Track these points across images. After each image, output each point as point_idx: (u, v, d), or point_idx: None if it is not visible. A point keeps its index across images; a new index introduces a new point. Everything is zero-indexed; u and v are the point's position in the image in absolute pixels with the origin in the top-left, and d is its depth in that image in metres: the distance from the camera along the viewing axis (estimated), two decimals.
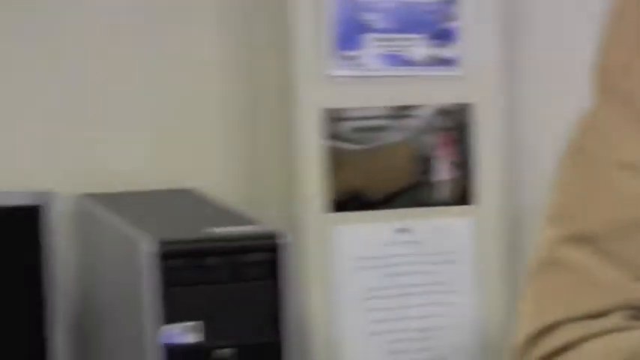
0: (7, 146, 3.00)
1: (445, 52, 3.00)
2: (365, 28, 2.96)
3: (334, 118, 2.97)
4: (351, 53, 2.96)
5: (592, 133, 1.33)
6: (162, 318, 2.58)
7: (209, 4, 3.08)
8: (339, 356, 3.01)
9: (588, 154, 1.34)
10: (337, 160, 2.98)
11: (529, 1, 3.09)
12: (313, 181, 2.98)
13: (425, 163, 3.03)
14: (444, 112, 3.01)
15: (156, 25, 3.07)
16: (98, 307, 2.87)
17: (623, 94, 1.30)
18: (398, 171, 3.03)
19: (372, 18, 2.96)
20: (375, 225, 3.01)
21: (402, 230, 3.02)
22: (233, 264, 2.62)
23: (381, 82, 2.98)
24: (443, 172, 3.04)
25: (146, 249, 2.57)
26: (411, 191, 3.03)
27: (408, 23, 2.98)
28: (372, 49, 2.97)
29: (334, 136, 2.97)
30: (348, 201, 3.00)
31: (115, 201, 2.89)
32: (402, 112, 2.99)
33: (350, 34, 2.95)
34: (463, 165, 3.05)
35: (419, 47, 2.99)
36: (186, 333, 2.59)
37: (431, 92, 3.01)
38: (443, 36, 2.99)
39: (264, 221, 2.76)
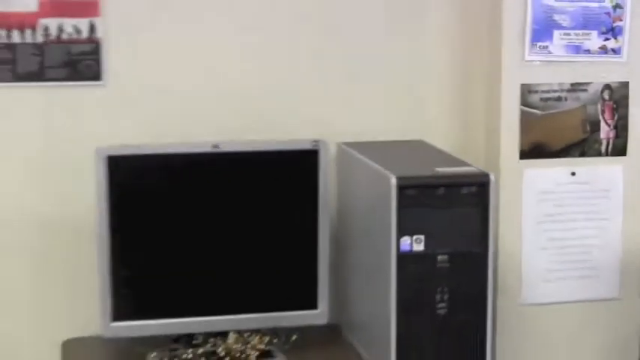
0: (295, 105, 3.05)
1: (612, 43, 3.03)
2: (554, 25, 3.00)
3: (527, 91, 3.01)
4: (543, 44, 3.00)
5: None
6: (399, 232, 2.65)
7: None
8: (520, 263, 3.07)
9: None
10: (528, 122, 3.03)
11: None
12: (510, 136, 3.03)
13: (591, 125, 3.07)
14: (608, 87, 3.05)
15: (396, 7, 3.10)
16: (353, 222, 2.94)
17: None
18: (571, 130, 3.07)
19: (559, 18, 3.00)
20: (552, 169, 3.06)
21: (572, 173, 3.06)
22: (451, 194, 2.68)
23: (563, 65, 3.02)
24: (604, 132, 3.08)
25: (390, 183, 2.63)
26: (580, 145, 3.07)
27: (586, 22, 3.01)
28: (558, 41, 3.01)
29: (526, 104, 3.02)
30: (534, 151, 3.04)
31: (366, 148, 2.95)
32: (577, 87, 3.03)
33: (543, 30, 2.99)
34: (619, 127, 3.08)
35: (593, 40, 3.02)
36: (415, 243, 2.66)
37: (599, 73, 3.04)
38: (611, 32, 3.02)
39: (474, 164, 2.81)
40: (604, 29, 3.03)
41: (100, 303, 2.78)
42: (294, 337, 2.87)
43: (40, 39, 2.92)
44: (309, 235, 2.86)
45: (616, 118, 3.08)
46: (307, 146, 2.84)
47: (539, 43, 3.00)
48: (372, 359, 2.83)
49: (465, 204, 2.69)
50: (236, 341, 2.82)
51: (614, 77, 3.06)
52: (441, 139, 3.10)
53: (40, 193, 2.97)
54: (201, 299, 2.84)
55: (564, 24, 3.01)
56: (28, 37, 2.92)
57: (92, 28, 2.95)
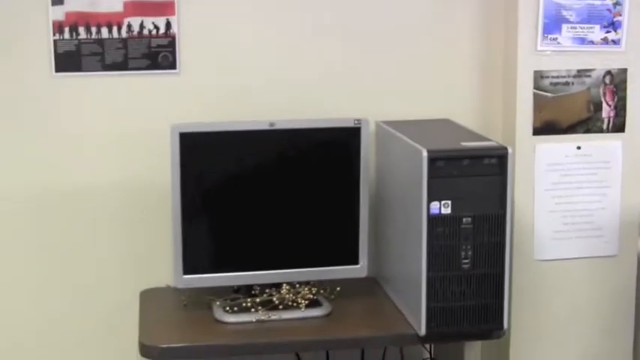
0: (341, 88, 2.97)
1: (612, 35, 2.90)
2: (563, 20, 2.88)
3: (539, 76, 2.89)
4: (553, 36, 2.88)
5: None
6: (429, 197, 2.56)
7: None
8: (532, 225, 2.95)
9: None
10: (540, 103, 2.90)
11: None
12: (525, 115, 2.91)
13: (594, 106, 2.94)
14: (609, 73, 2.92)
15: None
16: (389, 189, 2.85)
17: None
18: (577, 110, 2.94)
19: (567, 14, 2.87)
20: (561, 144, 2.94)
21: (578, 147, 2.94)
22: (474, 165, 2.59)
23: (570, 54, 2.90)
24: (605, 112, 2.95)
25: (422, 155, 2.54)
26: (585, 123, 2.94)
27: (590, 17, 2.88)
28: (566, 34, 2.88)
29: (538, 88, 2.90)
30: (545, 128, 2.92)
31: (400, 125, 2.85)
32: (582, 73, 2.91)
33: (553, 24, 2.87)
34: (619, 107, 2.95)
35: (596, 32, 2.89)
36: (443, 207, 2.56)
37: (602, 61, 2.92)
38: (612, 26, 2.89)
39: (494, 139, 2.70)
40: (605, 23, 2.89)
41: (174, 258, 2.72)
42: (338, 289, 2.80)
43: (124, 35, 2.86)
44: (351, 200, 2.77)
45: (616, 99, 2.94)
46: (350, 124, 2.74)
47: (549, 35, 2.87)
48: (405, 307, 2.73)
49: (486, 173, 2.58)
50: (288, 292, 2.75)
51: (615, 64, 2.92)
52: (464, 118, 2.98)
53: (123, 164, 2.92)
54: (259, 255, 2.77)
55: (571, 19, 2.88)
56: (114, 33, 2.85)
57: (168, 25, 2.88)
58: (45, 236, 2.94)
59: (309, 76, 2.96)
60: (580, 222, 2.98)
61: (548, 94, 2.91)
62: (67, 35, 2.84)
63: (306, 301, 2.74)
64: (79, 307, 2.97)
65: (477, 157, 2.58)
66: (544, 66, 2.89)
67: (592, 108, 2.94)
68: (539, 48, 2.88)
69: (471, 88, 3.04)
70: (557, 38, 2.88)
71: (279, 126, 2.72)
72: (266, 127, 2.71)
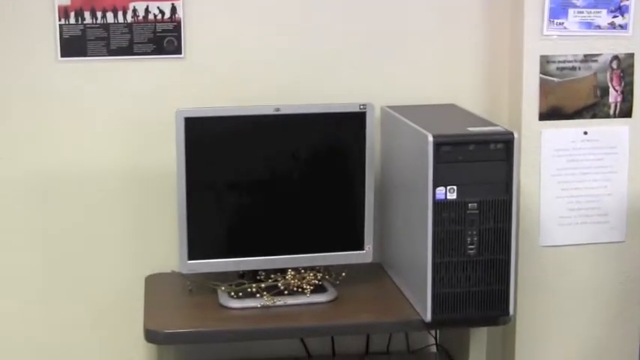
0: (346, 74, 2.95)
1: (619, 20, 2.86)
2: (569, 4, 2.84)
3: (546, 61, 2.85)
4: (560, 20, 2.84)
5: None
6: (435, 183, 2.53)
7: None
8: (538, 210, 2.92)
9: None
10: (546, 88, 2.87)
11: None
12: (531, 100, 2.88)
13: (601, 91, 2.90)
14: (616, 58, 2.88)
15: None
16: (395, 175, 2.82)
17: None
18: (584, 95, 2.90)
19: None
20: (567, 129, 2.90)
21: (584, 132, 2.90)
22: (480, 150, 2.56)
23: (577, 39, 2.86)
24: (612, 97, 2.91)
25: (428, 140, 2.52)
26: (591, 108, 2.90)
27: (596, 2, 2.85)
28: (573, 18, 2.85)
29: (545, 72, 2.86)
30: (551, 113, 2.88)
31: (406, 111, 2.82)
32: (589, 58, 2.87)
33: (559, 8, 2.84)
34: (626, 92, 2.91)
35: (603, 17, 2.86)
36: (449, 193, 2.54)
37: (609, 46, 2.88)
38: (619, 10, 2.86)
39: (500, 125, 2.67)
40: (612, 8, 2.85)
41: (179, 244, 2.70)
42: (343, 274, 2.78)
43: (129, 19, 2.84)
44: (357, 185, 2.75)
45: (623, 84, 2.91)
46: (356, 109, 2.71)
47: (556, 20, 2.84)
48: (410, 293, 2.71)
49: (492, 159, 2.56)
50: (293, 277, 2.73)
51: (622, 49, 2.89)
52: (470, 103, 2.96)
53: (129, 149, 2.90)
54: (264, 241, 2.74)
55: (578, 3, 2.85)
56: (120, 18, 2.83)
57: (174, 10, 2.85)
58: (49, 220, 2.92)
59: (314, 60, 2.93)
60: (586, 208, 2.95)
61: (555, 79, 2.88)
62: (72, 20, 2.82)
63: (312, 287, 2.72)
64: (83, 292, 2.96)
65: (483, 142, 2.56)
66: (550, 51, 2.85)
67: (599, 93, 2.91)
68: (545, 32, 2.84)
69: (476, 73, 3.00)
70: (563, 23, 2.85)
71: (284, 111, 2.69)
72: (271, 112, 2.69)
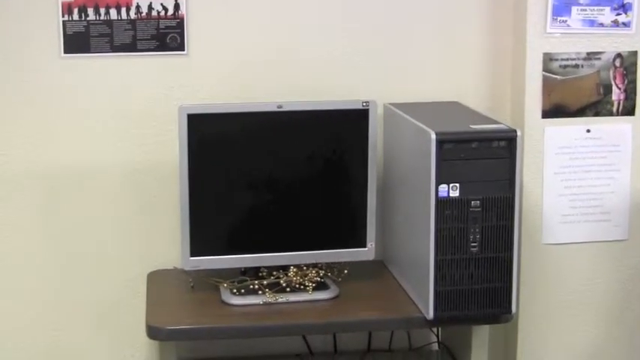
0: (349, 70, 2.94)
1: (623, 18, 2.85)
2: (572, 2, 2.83)
3: (549, 59, 2.84)
4: (563, 18, 2.83)
5: None
6: (438, 180, 2.52)
7: None
8: (541, 208, 2.91)
9: None
10: (549, 86, 2.86)
11: None
12: (534, 98, 2.87)
13: (604, 89, 2.89)
14: (619, 56, 2.87)
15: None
16: (397, 172, 2.81)
17: None
18: (587, 93, 2.89)
19: None
20: (570, 127, 2.89)
21: (587, 130, 2.89)
22: (483, 148, 2.55)
23: (580, 37, 2.85)
24: (615, 95, 2.90)
25: (431, 137, 2.50)
26: (594, 106, 2.89)
27: None
28: (576, 16, 2.84)
29: (548, 70, 2.85)
30: (554, 111, 2.87)
31: (408, 108, 2.81)
32: (592, 56, 2.86)
33: (562, 6, 2.82)
34: (629, 90, 2.90)
35: (606, 15, 2.85)
36: (452, 190, 2.53)
37: (612, 43, 2.87)
38: (622, 8, 2.84)
39: (503, 122, 2.65)
40: (616, 5, 2.84)
41: (181, 240, 2.68)
42: (345, 271, 2.77)
43: (132, 16, 2.83)
44: (359, 183, 2.73)
45: (626, 82, 2.89)
46: (359, 106, 2.70)
47: (559, 18, 2.82)
48: (413, 290, 2.69)
49: (495, 156, 2.54)
50: (295, 274, 2.71)
51: (625, 47, 2.87)
52: (473, 101, 2.95)
53: (131, 145, 2.90)
54: (267, 237, 2.73)
55: (581, 1, 2.84)
56: (123, 15, 2.82)
57: (177, 6, 2.84)
58: (52, 217, 2.91)
59: (318, 57, 2.92)
60: (589, 206, 2.93)
61: (558, 77, 2.86)
62: (75, 16, 2.81)
63: (314, 284, 2.71)
64: (86, 288, 2.95)
65: (486, 139, 2.54)
66: (553, 48, 2.84)
67: (602, 91, 2.89)
68: (548, 30, 2.83)
69: (479, 70, 2.99)
70: (566, 20, 2.83)
71: (286, 108, 2.68)
72: (274, 108, 2.67)
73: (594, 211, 2.95)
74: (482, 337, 2.76)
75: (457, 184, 2.53)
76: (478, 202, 2.54)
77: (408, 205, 2.73)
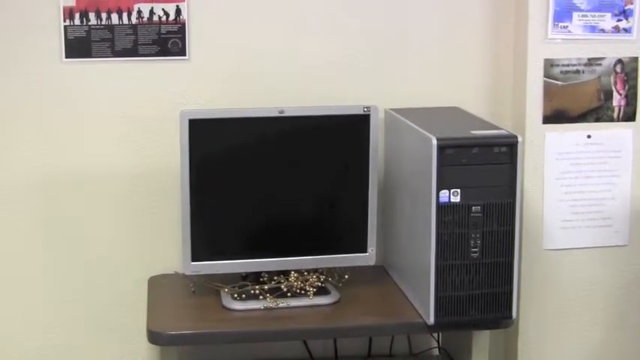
0: (350, 76, 2.94)
1: (624, 24, 2.86)
2: (574, 8, 2.84)
3: (550, 65, 2.85)
4: (564, 24, 2.84)
5: None
6: (439, 186, 2.52)
7: None
8: (541, 214, 2.91)
9: None
10: (550, 91, 2.86)
11: None
12: (535, 103, 2.87)
13: (605, 94, 2.89)
14: (620, 62, 2.87)
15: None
16: (398, 177, 2.81)
17: None
18: (587, 99, 2.89)
19: (578, 2, 2.84)
20: (571, 132, 2.89)
21: (588, 136, 2.90)
22: (484, 153, 2.55)
23: (581, 42, 2.86)
24: (616, 100, 2.90)
25: (432, 143, 2.51)
26: (595, 111, 2.90)
27: (601, 5, 2.84)
28: (577, 22, 2.84)
29: (549, 76, 2.85)
30: (555, 117, 2.88)
31: (409, 113, 2.81)
32: (593, 61, 2.86)
33: (564, 12, 2.83)
34: (629, 96, 2.91)
35: (607, 21, 2.85)
36: (453, 196, 2.53)
37: (612, 49, 2.87)
38: (623, 14, 2.85)
39: (504, 128, 2.66)
40: (617, 11, 2.85)
41: (182, 245, 2.69)
42: (346, 276, 2.77)
43: (134, 21, 2.83)
44: (360, 188, 2.73)
45: (627, 88, 2.90)
46: (360, 111, 2.70)
47: (560, 23, 2.83)
48: (413, 296, 2.70)
49: (495, 162, 2.55)
50: (296, 279, 2.72)
51: (626, 53, 2.88)
52: (474, 106, 2.95)
53: (133, 150, 2.90)
54: (268, 242, 2.73)
55: (582, 7, 2.84)
56: (125, 20, 2.82)
57: (178, 12, 2.84)
58: (53, 222, 2.91)
59: (319, 63, 2.92)
60: (590, 211, 2.94)
61: (559, 83, 2.87)
62: (77, 21, 2.82)
63: (314, 289, 2.71)
64: (86, 293, 2.95)
65: (487, 145, 2.55)
66: (554, 54, 2.85)
67: (602, 96, 2.90)
68: (549, 36, 2.84)
69: (481, 76, 3.00)
70: (567, 26, 2.84)
71: (288, 113, 2.68)
72: (275, 114, 2.68)
73: (595, 216, 2.95)
74: (482, 343, 2.76)
75: (458, 190, 2.53)
76: (479, 207, 2.54)
77: (408, 210, 2.73)
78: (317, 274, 2.75)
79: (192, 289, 2.77)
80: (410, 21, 2.96)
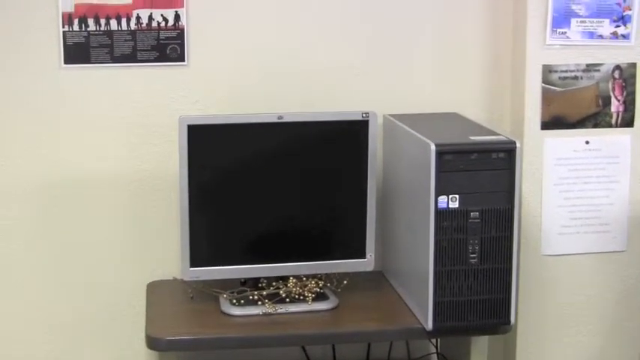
0: (349, 82, 2.94)
1: (622, 30, 2.87)
2: (572, 14, 2.84)
3: (548, 70, 2.85)
4: (562, 30, 2.84)
5: None
6: (437, 191, 2.53)
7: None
8: (540, 220, 2.92)
9: None
10: (548, 97, 2.87)
11: None
12: (533, 109, 2.88)
13: (603, 100, 2.90)
14: (618, 68, 2.88)
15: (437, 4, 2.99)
16: (397, 183, 2.81)
17: None
18: (586, 105, 2.90)
19: (577, 8, 2.84)
20: (569, 138, 2.90)
21: (586, 142, 2.90)
22: (483, 159, 2.55)
23: (579, 48, 2.86)
24: (614, 106, 2.91)
25: (430, 149, 2.51)
26: (593, 117, 2.90)
27: (599, 12, 2.85)
28: (575, 28, 2.85)
29: (547, 82, 2.86)
30: (553, 122, 2.88)
31: (408, 119, 2.81)
32: (591, 67, 2.87)
33: (562, 18, 2.84)
34: (627, 102, 2.91)
35: (605, 27, 2.86)
36: (451, 201, 2.53)
37: (611, 55, 2.88)
38: (621, 20, 2.86)
39: (502, 134, 2.65)
40: (615, 17, 2.86)
41: (181, 251, 2.69)
42: (344, 282, 2.78)
43: (133, 27, 2.83)
44: (359, 194, 2.74)
45: (625, 94, 2.91)
46: (358, 117, 2.71)
47: (558, 30, 2.84)
48: (412, 301, 2.70)
49: (494, 167, 2.55)
50: (295, 285, 2.72)
51: (624, 59, 2.89)
52: (473, 112, 2.96)
53: (131, 156, 2.90)
54: (266, 248, 2.74)
55: (581, 13, 2.84)
56: (123, 25, 2.83)
57: (177, 17, 2.85)
58: (50, 227, 2.91)
59: (317, 69, 2.93)
60: (588, 217, 2.94)
61: (557, 89, 2.87)
62: (76, 27, 2.82)
63: (313, 295, 2.71)
64: (85, 299, 2.95)
65: (486, 151, 2.55)
66: (553, 60, 2.86)
67: (601, 102, 2.90)
68: (548, 42, 2.84)
69: (479, 81, 3.00)
70: (566, 32, 2.85)
71: (287, 119, 2.69)
72: (274, 119, 2.68)
73: (593, 222, 2.95)
74: (481, 348, 2.76)
75: (456, 196, 2.53)
76: (477, 213, 2.55)
77: (407, 216, 2.74)
78: (316, 279, 2.75)
79: (191, 295, 2.77)
80: (409, 27, 2.97)
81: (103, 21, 2.83)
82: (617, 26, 2.86)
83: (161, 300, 2.80)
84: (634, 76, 2.90)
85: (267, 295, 2.71)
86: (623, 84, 2.90)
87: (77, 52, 2.84)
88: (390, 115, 2.89)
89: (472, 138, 2.60)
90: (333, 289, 2.78)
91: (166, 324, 2.66)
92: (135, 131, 2.89)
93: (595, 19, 2.85)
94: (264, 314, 2.67)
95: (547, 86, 2.87)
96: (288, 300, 2.70)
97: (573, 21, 2.85)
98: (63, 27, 2.82)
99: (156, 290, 2.87)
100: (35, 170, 2.89)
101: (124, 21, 2.83)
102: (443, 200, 2.53)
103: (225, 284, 2.76)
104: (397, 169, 2.82)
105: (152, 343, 2.59)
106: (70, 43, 2.83)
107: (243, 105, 2.87)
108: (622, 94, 2.91)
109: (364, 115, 2.71)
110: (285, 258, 2.74)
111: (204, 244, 2.70)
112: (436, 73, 2.99)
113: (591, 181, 2.93)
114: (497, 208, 2.55)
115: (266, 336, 2.62)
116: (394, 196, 2.84)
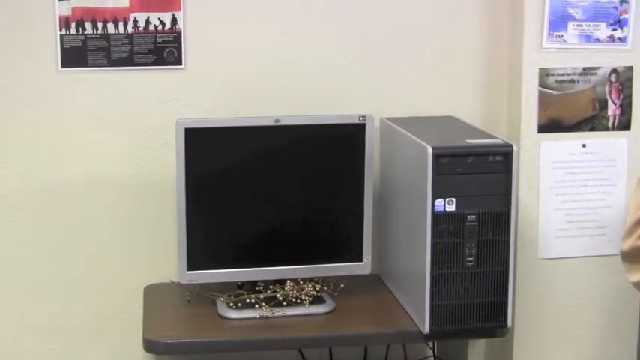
0: (345, 85, 2.95)
1: (618, 33, 2.87)
2: (569, 17, 2.85)
3: (545, 74, 2.85)
4: (559, 33, 2.85)
5: None
6: (434, 195, 2.53)
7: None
8: (537, 223, 2.91)
9: None
10: (545, 100, 2.87)
11: None
12: (530, 112, 2.88)
13: (600, 104, 2.90)
14: (615, 71, 2.88)
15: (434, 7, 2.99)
16: (394, 186, 2.82)
17: None
18: (582, 108, 2.90)
19: (573, 11, 2.84)
20: (566, 142, 2.90)
21: (583, 145, 2.90)
22: (479, 162, 2.56)
23: (576, 52, 2.86)
24: (611, 110, 2.91)
25: (427, 152, 2.52)
26: (590, 121, 2.90)
27: (596, 15, 2.85)
28: (572, 31, 2.85)
29: (544, 85, 2.86)
30: (550, 126, 2.88)
31: (405, 122, 2.82)
32: (588, 71, 2.87)
33: (559, 21, 2.84)
34: (624, 105, 2.91)
35: (602, 30, 2.86)
36: (448, 204, 2.54)
37: (607, 59, 2.88)
38: (618, 23, 2.86)
39: (499, 137, 2.67)
40: (612, 21, 2.86)
41: (178, 254, 2.70)
42: (341, 285, 2.78)
43: (130, 30, 2.84)
44: (356, 197, 2.74)
45: (621, 97, 2.91)
46: (355, 120, 2.72)
47: (555, 33, 2.84)
48: (409, 304, 2.70)
49: (491, 171, 2.56)
50: (292, 288, 2.72)
51: (620, 62, 2.89)
52: (469, 116, 2.96)
53: (128, 159, 2.91)
54: (263, 251, 2.74)
55: (577, 16, 2.85)
56: (120, 29, 2.83)
57: (174, 21, 2.85)
58: (48, 230, 2.92)
59: (315, 72, 2.94)
60: (585, 220, 2.94)
61: (554, 92, 2.88)
62: (73, 30, 2.82)
63: (310, 298, 2.72)
64: (82, 301, 2.95)
65: (482, 154, 2.56)
66: (549, 63, 2.86)
67: (597, 106, 2.91)
68: (544, 45, 2.85)
69: (476, 85, 3.01)
70: (562, 36, 2.85)
71: (284, 122, 2.70)
72: (271, 123, 2.69)
73: (590, 225, 2.95)
74: (478, 351, 2.77)
75: (453, 199, 2.54)
76: (474, 216, 2.55)
77: (404, 219, 2.74)
78: (313, 282, 2.76)
79: (188, 298, 2.78)
80: (406, 30, 2.97)
81: (100, 24, 2.83)
82: (614, 30, 2.86)
83: (158, 303, 2.81)
84: (630, 79, 2.91)
85: (265, 298, 2.71)
86: (620, 87, 2.91)
87: (74, 55, 2.84)
88: (387, 118, 2.90)
89: (469, 141, 2.61)
90: (330, 293, 2.78)
91: (164, 327, 2.67)
92: (132, 135, 2.89)
93: (592, 23, 2.86)
94: (262, 317, 2.68)
95: (544, 89, 2.87)
96: (285, 303, 2.71)
97: (570, 24, 2.85)
98: (60, 30, 2.82)
99: (153, 293, 2.87)
100: (32, 173, 2.89)
101: (121, 24, 2.84)
102: (440, 203, 2.54)
103: (222, 287, 2.76)
104: (394, 173, 2.83)
105: (149, 345, 2.60)
106: (67, 46, 2.83)
107: (240, 108, 2.87)
108: (619, 98, 2.92)
109: (361, 118, 2.72)
110: (282, 261, 2.74)
111: (202, 247, 2.71)
112: (433, 77, 3.00)
113: (588, 184, 2.93)
114: (493, 211, 2.56)
115: (263, 339, 2.63)
116: (391, 199, 2.85)
